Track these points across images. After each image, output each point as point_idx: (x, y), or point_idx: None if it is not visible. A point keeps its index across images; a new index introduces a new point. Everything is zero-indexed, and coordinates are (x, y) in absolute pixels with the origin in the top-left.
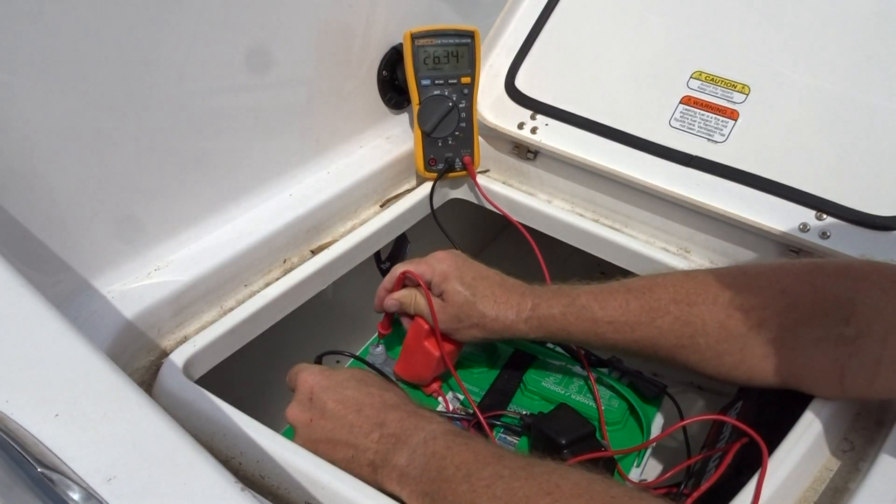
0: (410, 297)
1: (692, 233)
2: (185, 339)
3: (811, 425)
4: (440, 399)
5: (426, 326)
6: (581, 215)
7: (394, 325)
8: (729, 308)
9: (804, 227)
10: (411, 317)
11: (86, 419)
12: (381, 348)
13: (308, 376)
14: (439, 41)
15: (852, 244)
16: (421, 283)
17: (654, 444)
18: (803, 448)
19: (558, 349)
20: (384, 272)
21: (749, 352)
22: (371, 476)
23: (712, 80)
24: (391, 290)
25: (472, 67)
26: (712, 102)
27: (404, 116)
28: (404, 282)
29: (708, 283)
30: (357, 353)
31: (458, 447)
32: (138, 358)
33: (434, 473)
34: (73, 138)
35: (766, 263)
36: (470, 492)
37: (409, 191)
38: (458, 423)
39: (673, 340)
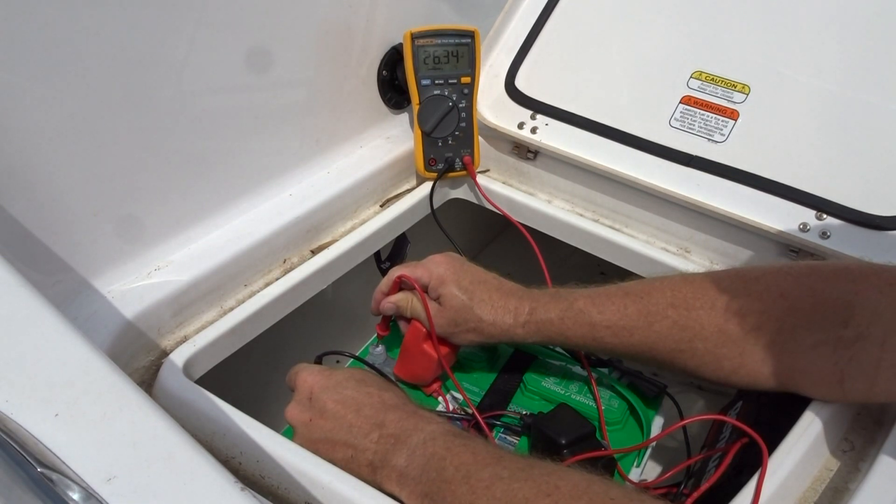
0: (407, 301)
1: (692, 233)
2: (185, 339)
3: (811, 425)
4: (440, 399)
5: (423, 330)
6: (581, 215)
7: (392, 326)
8: (727, 312)
9: (804, 227)
10: (408, 320)
11: (86, 419)
12: (380, 348)
13: (307, 376)
14: (439, 41)
15: (852, 244)
16: (417, 287)
17: (654, 444)
18: (803, 448)
19: (558, 349)
20: (384, 272)
21: (748, 356)
22: (370, 476)
23: (712, 80)
24: (387, 294)
25: (472, 67)
26: (712, 102)
27: (404, 116)
28: (401, 285)
29: (706, 287)
30: (357, 354)
31: (458, 448)
32: (138, 358)
33: (433, 474)
34: (73, 138)
35: (763, 267)
36: (469, 493)
37: (409, 191)
38: (457, 423)
39: (671, 345)
